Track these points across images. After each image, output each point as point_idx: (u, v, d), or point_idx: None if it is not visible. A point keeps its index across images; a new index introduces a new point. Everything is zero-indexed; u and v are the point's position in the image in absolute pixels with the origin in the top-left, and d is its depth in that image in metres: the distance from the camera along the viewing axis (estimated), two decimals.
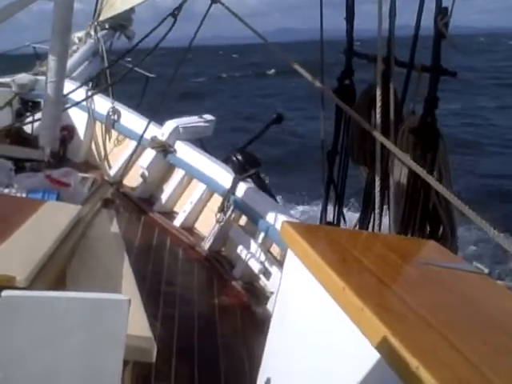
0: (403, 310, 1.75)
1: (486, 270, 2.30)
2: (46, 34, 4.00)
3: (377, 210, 3.25)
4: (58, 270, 2.19)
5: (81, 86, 5.56)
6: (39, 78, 6.07)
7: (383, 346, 1.56)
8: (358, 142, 4.14)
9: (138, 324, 1.99)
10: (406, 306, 1.78)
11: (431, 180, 2.93)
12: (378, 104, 3.28)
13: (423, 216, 3.61)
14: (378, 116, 3.27)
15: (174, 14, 4.27)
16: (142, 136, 4.99)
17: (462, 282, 2.19)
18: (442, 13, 3.47)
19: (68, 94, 4.63)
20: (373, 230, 3.62)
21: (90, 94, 6.35)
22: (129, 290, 2.33)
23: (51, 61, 3.94)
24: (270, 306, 4.22)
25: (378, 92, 3.28)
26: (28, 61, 8.21)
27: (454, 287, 2.13)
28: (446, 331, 1.64)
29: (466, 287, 2.16)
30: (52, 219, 2.52)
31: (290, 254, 2.26)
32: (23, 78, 6.12)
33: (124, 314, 1.72)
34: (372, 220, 3.87)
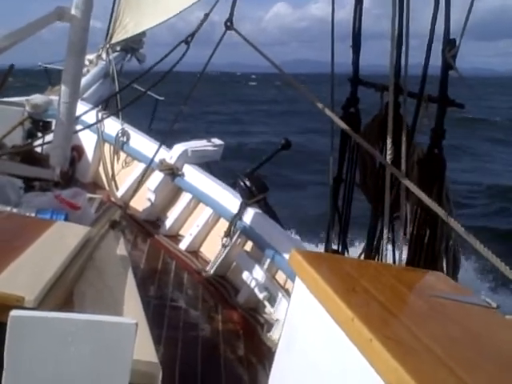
0: (412, 343, 1.74)
1: (495, 304, 2.28)
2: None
3: (384, 241, 3.24)
4: (66, 290, 2.19)
5: (93, 109, 5.59)
6: (53, 97, 6.11)
7: (391, 379, 1.56)
8: (364, 171, 4.15)
9: (144, 348, 1.98)
10: (414, 338, 1.77)
11: (441, 213, 2.93)
12: (389, 134, 3.29)
13: (430, 251, 3.61)
14: (389, 147, 3.28)
15: (188, 40, 4.32)
16: (152, 159, 5.02)
17: (471, 315, 2.18)
18: (449, 44, 3.49)
19: (80, 115, 4.66)
20: (379, 259, 3.61)
21: (100, 116, 6.41)
22: (135, 312, 2.32)
23: (65, 82, 3.97)
24: (274, 333, 4.19)
25: (390, 122, 3.29)
26: (40, 78, 8.33)
27: (463, 321, 2.12)
28: (455, 365, 1.63)
29: (475, 321, 2.15)
30: (61, 240, 2.52)
31: (298, 282, 2.25)
32: (37, 98, 6.15)
33: (131, 338, 1.72)
34: (378, 249, 3.87)
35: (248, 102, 50.06)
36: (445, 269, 3.71)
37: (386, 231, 3.23)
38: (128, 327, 1.72)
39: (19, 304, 1.77)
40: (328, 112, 3.80)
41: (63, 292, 2.13)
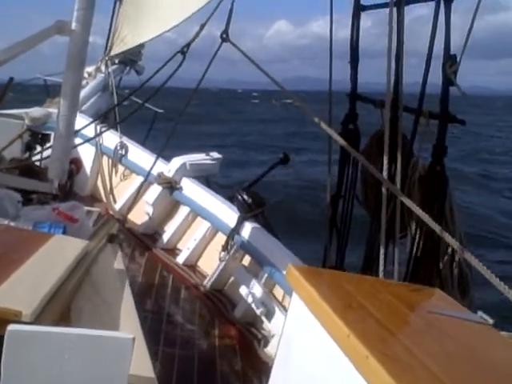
0: (408, 360, 1.75)
1: (491, 321, 2.29)
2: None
3: (381, 256, 3.25)
4: (63, 304, 2.19)
5: (92, 122, 5.61)
6: (51, 110, 6.14)
7: None
8: (365, 187, 4.17)
9: (140, 363, 1.98)
10: (410, 355, 1.77)
11: (438, 229, 2.94)
12: (386, 150, 3.30)
13: (430, 268, 3.61)
14: (386, 162, 3.29)
15: (183, 51, 4.35)
16: (149, 172, 5.01)
17: (467, 332, 2.18)
18: (450, 60, 3.49)
19: (80, 130, 4.68)
20: (377, 275, 3.61)
21: (99, 129, 6.43)
22: (132, 327, 2.32)
23: (64, 95, 3.99)
24: (271, 348, 4.17)
25: (386, 139, 3.31)
26: (39, 91, 8.33)
27: (459, 337, 2.13)
28: (450, 381, 1.64)
29: (471, 338, 2.16)
30: (59, 253, 2.53)
31: (295, 297, 2.26)
32: (36, 111, 6.19)
33: (128, 353, 1.72)
34: (376, 264, 3.87)
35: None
36: (450, 286, 3.70)
37: (382, 248, 3.23)
38: (125, 342, 1.73)
39: (17, 318, 1.77)
40: (326, 128, 3.82)
41: (60, 306, 2.14)
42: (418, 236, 3.60)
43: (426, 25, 3.65)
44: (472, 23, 3.26)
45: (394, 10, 3.62)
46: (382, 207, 3.27)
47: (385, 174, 3.32)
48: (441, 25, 3.54)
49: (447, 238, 2.86)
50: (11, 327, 1.65)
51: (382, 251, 3.24)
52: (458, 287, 3.65)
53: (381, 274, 3.19)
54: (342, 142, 3.82)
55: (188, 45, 4.37)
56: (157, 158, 5.04)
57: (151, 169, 5.05)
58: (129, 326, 2.30)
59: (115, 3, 6.53)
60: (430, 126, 3.66)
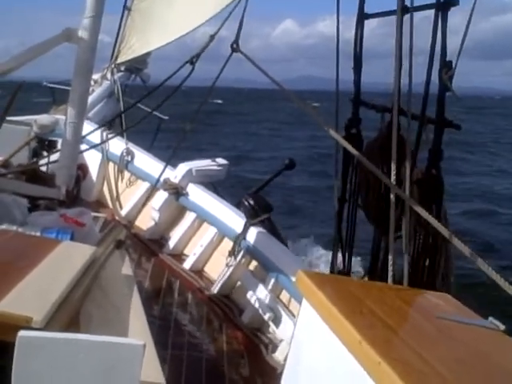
0: (419, 365, 1.74)
1: (502, 327, 2.28)
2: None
3: (390, 262, 3.24)
4: (73, 310, 2.20)
5: (98, 128, 5.62)
6: (59, 117, 6.16)
7: None
8: (366, 191, 4.16)
9: (150, 368, 1.98)
10: (422, 361, 1.77)
11: (446, 232, 2.94)
12: (394, 155, 3.30)
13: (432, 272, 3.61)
14: (393, 167, 3.29)
15: (193, 61, 4.37)
16: (158, 180, 5.02)
17: (478, 337, 2.18)
18: (446, 66, 3.53)
19: (86, 135, 4.70)
20: (385, 280, 3.61)
21: (105, 136, 6.45)
22: (141, 333, 2.32)
23: (71, 102, 4.01)
24: (278, 353, 4.17)
25: (394, 143, 3.31)
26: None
27: (470, 343, 2.12)
28: None
29: (482, 343, 2.15)
30: (67, 260, 2.54)
31: (305, 303, 2.26)
32: (44, 118, 6.20)
33: (139, 359, 1.72)
34: (382, 270, 3.86)
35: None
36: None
37: (391, 254, 3.23)
38: (135, 348, 1.73)
39: (27, 324, 1.77)
40: (332, 132, 3.83)
41: (70, 312, 2.14)
42: (420, 238, 3.63)
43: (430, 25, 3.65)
44: (467, 28, 3.29)
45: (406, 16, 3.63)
46: (389, 213, 3.27)
47: (393, 179, 3.32)
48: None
49: (456, 242, 2.86)
50: (22, 333, 1.65)
51: (390, 257, 3.23)
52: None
53: (389, 280, 3.19)
54: (347, 145, 3.82)
55: (197, 55, 4.38)
56: (165, 166, 5.07)
57: (160, 175, 5.06)
58: (138, 332, 2.30)
59: (123, 11, 6.56)
60: (427, 131, 3.70)
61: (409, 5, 3.59)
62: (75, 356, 1.68)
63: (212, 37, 4.37)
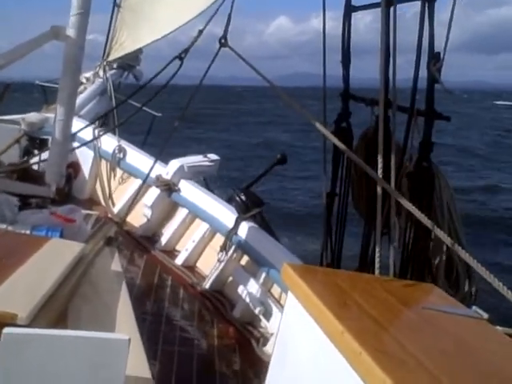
0: (402, 355, 1.76)
1: (486, 316, 2.30)
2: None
3: (377, 254, 3.26)
4: (60, 307, 2.20)
5: (89, 125, 5.62)
6: (48, 115, 6.16)
7: None
8: (356, 186, 4.19)
9: (137, 363, 1.99)
10: (404, 351, 1.79)
11: (430, 224, 2.96)
12: (380, 148, 3.32)
13: (422, 264, 3.64)
14: (380, 161, 3.31)
15: (181, 56, 4.38)
16: (148, 175, 5.02)
17: (462, 327, 2.20)
18: (434, 58, 3.55)
19: (76, 132, 4.70)
20: (372, 272, 3.63)
21: (97, 133, 6.45)
22: (129, 328, 2.33)
23: (60, 99, 4.01)
24: (269, 347, 4.19)
25: (380, 137, 3.33)
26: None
27: (454, 333, 2.14)
28: (444, 377, 1.65)
29: (465, 333, 2.17)
30: (55, 257, 2.54)
31: (290, 295, 2.28)
32: (32, 116, 6.20)
33: (124, 353, 1.73)
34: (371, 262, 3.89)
35: None
36: (440, 280, 3.72)
37: (378, 246, 3.25)
38: (121, 343, 1.74)
39: (12, 321, 1.78)
40: (320, 127, 3.84)
41: (57, 309, 2.15)
42: (408, 232, 3.65)
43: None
44: (450, 21, 3.31)
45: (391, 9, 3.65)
46: (376, 206, 3.29)
47: (379, 172, 3.34)
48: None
49: (439, 232, 2.88)
50: (6, 330, 1.66)
51: (377, 249, 3.25)
52: (449, 281, 3.67)
53: (377, 272, 3.21)
54: (335, 140, 3.84)
55: (186, 50, 4.40)
56: (155, 162, 5.07)
57: (149, 172, 5.07)
58: (126, 327, 2.31)
59: (113, 8, 6.54)
60: (417, 123, 3.71)
61: None
62: (60, 352, 1.70)
63: (200, 31, 4.38)
